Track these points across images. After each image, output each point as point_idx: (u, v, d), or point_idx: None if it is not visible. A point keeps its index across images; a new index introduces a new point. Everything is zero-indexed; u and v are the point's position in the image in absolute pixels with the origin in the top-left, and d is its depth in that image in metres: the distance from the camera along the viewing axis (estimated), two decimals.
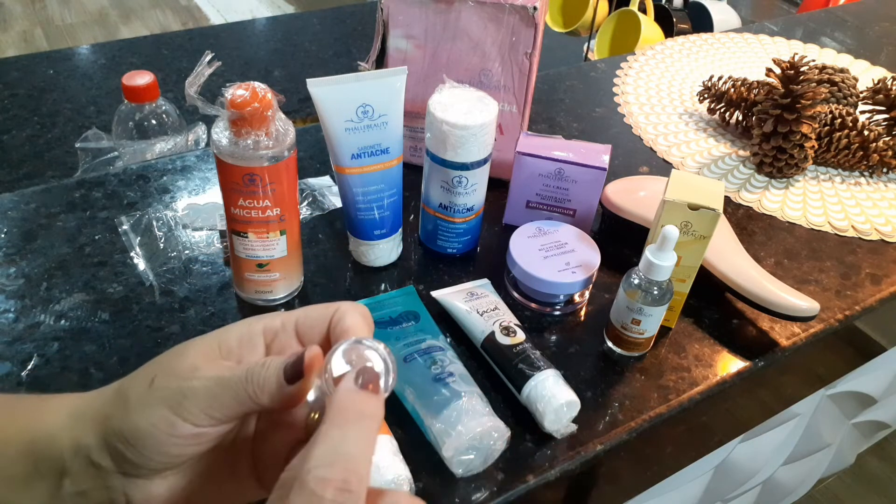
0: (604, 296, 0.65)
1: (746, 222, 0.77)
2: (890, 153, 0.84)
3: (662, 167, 0.84)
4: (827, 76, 0.91)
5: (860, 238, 0.76)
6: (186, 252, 0.65)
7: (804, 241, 0.75)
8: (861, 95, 0.91)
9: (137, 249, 0.64)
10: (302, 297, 0.61)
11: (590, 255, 0.62)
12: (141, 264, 0.63)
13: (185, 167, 0.75)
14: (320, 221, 0.70)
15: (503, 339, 0.55)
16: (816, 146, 0.82)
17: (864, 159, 0.85)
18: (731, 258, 0.63)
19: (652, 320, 0.56)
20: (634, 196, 0.69)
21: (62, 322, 0.57)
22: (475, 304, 0.58)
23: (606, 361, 0.59)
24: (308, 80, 0.54)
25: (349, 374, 0.28)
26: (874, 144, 0.84)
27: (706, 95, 0.92)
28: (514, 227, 0.65)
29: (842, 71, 0.93)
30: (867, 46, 1.19)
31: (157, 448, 0.30)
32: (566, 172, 0.66)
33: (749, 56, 1.12)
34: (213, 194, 0.72)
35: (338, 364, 0.29)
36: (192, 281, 0.62)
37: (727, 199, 0.80)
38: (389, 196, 0.61)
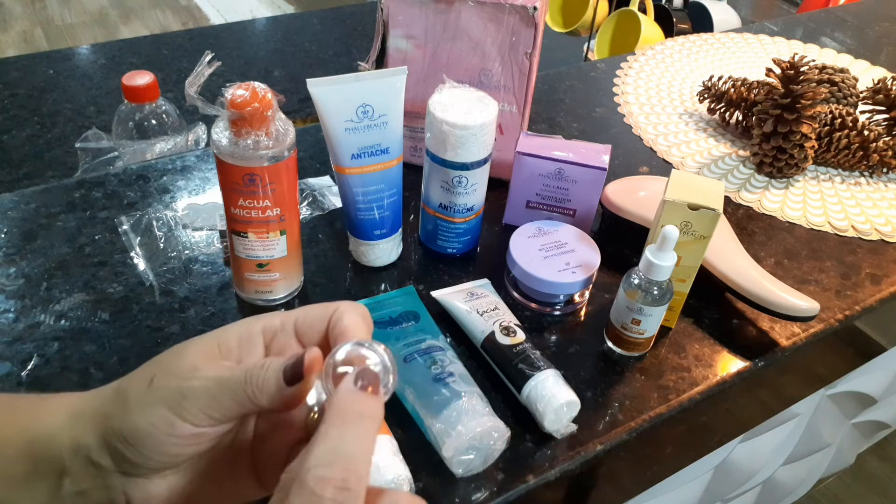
0: (604, 296, 0.65)
1: (746, 222, 0.77)
2: (890, 153, 0.84)
3: (662, 167, 0.84)
4: (827, 76, 0.91)
5: (860, 238, 0.76)
6: (186, 252, 0.65)
7: (804, 241, 0.75)
8: (861, 95, 0.91)
9: (137, 249, 0.64)
10: (302, 297, 0.61)
11: (590, 255, 0.62)
12: (141, 264, 0.63)
13: (185, 167, 0.75)
14: (320, 221, 0.70)
15: (503, 339, 0.55)
16: (816, 146, 0.82)
17: (864, 159, 0.85)
18: (731, 258, 0.63)
19: (652, 320, 0.56)
20: (634, 196, 0.69)
21: (62, 322, 0.57)
22: (475, 304, 0.58)
23: (606, 361, 0.59)
24: (308, 80, 0.54)
25: (349, 376, 0.28)
26: (874, 144, 0.84)
27: (706, 95, 0.92)
28: (514, 227, 0.65)
29: (842, 71, 0.93)
30: (867, 46, 1.19)
31: (156, 448, 0.30)
32: (566, 172, 0.66)
33: (749, 56, 1.12)
34: (213, 194, 0.72)
35: (338, 366, 0.29)
36: (192, 281, 0.62)
37: (727, 199, 0.80)
38: (389, 196, 0.61)
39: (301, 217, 0.66)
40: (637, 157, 0.85)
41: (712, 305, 0.65)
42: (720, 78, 0.92)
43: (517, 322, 0.57)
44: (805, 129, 0.77)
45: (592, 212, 0.68)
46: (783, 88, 0.77)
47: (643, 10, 1.77)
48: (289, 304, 0.60)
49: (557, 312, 0.62)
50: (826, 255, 0.73)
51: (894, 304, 0.69)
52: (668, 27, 1.77)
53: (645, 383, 0.57)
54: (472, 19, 0.66)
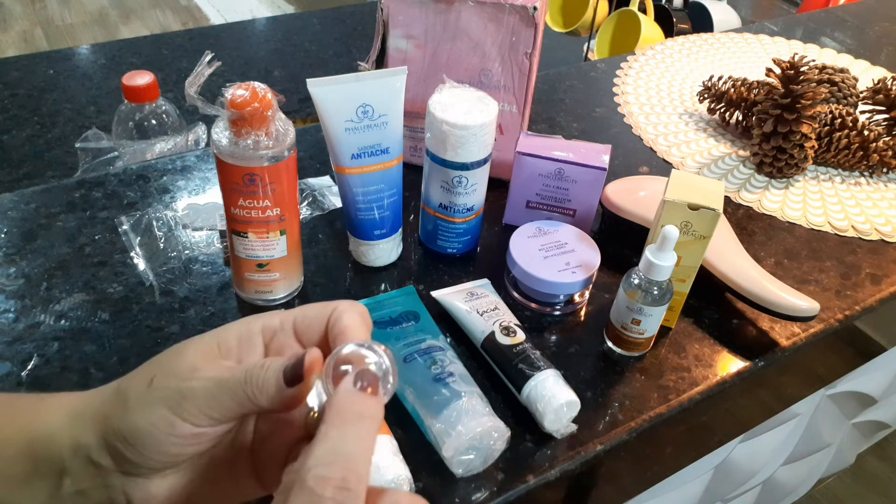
0: (604, 296, 0.65)
1: (746, 222, 0.77)
2: (890, 153, 0.84)
3: (662, 167, 0.84)
4: (827, 76, 0.91)
5: (860, 238, 0.76)
6: (186, 252, 0.65)
7: (804, 241, 0.75)
8: (861, 95, 0.91)
9: (137, 249, 0.64)
10: (302, 297, 0.61)
11: (590, 255, 0.62)
12: (141, 264, 0.63)
13: (185, 167, 0.75)
14: (320, 221, 0.70)
15: (503, 339, 0.55)
16: (816, 146, 0.82)
17: (864, 159, 0.85)
18: (731, 258, 0.63)
19: (652, 320, 0.56)
20: (634, 196, 0.69)
21: (62, 322, 0.57)
22: (475, 304, 0.58)
23: (606, 361, 0.59)
24: (308, 80, 0.54)
25: (349, 376, 0.28)
26: (874, 144, 0.84)
27: (706, 95, 0.92)
28: (514, 227, 0.65)
29: (842, 71, 0.93)
30: (867, 46, 1.19)
31: (156, 447, 0.30)
32: (566, 172, 0.66)
33: (749, 56, 1.12)
34: (213, 194, 0.72)
35: (338, 366, 0.29)
36: (192, 281, 0.62)
37: (727, 199, 0.80)
38: (389, 196, 0.61)
39: (301, 217, 0.66)
40: (637, 157, 0.85)
41: (712, 305, 0.65)
42: (720, 78, 0.92)
43: (517, 322, 0.57)
44: (805, 129, 0.77)
45: (592, 212, 0.68)
46: (783, 88, 0.77)
47: (643, 10, 1.77)
48: (289, 304, 0.60)
49: (557, 312, 0.62)
50: (826, 255, 0.73)
51: (894, 304, 0.69)
52: (668, 27, 1.77)
53: (645, 383, 0.57)
54: (472, 19, 0.66)
